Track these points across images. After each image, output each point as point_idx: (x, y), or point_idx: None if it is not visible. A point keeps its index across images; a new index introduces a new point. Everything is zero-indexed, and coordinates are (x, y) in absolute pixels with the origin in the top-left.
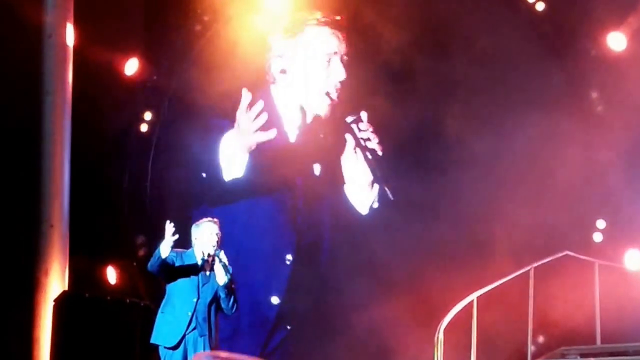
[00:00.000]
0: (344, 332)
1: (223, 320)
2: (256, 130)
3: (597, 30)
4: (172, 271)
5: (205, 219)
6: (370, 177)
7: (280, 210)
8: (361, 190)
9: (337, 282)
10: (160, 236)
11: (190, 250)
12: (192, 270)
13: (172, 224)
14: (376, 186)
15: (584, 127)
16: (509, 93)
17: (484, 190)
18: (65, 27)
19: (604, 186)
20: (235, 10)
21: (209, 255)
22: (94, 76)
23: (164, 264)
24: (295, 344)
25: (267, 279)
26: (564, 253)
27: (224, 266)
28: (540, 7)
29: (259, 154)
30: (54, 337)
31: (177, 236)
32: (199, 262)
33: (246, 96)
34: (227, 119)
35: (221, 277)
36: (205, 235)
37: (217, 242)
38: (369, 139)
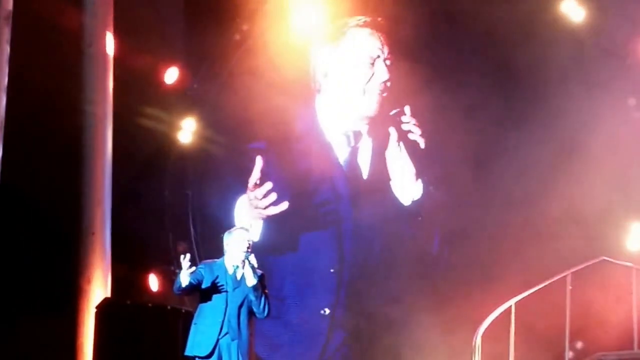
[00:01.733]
0: (398, 332)
1: (279, 330)
2: (266, 207)
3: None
4: (203, 288)
5: (237, 227)
6: (413, 170)
7: (326, 221)
8: (406, 183)
9: (390, 281)
10: (201, 242)
11: (220, 259)
12: (222, 279)
13: (188, 256)
14: (419, 179)
15: (623, 132)
16: (547, 97)
17: (524, 191)
18: (105, 36)
19: None
20: (274, 20)
21: (242, 261)
22: (134, 85)
23: (190, 287)
24: (351, 349)
25: (317, 291)
26: (600, 259)
27: (252, 268)
28: (578, 15)
29: (304, 169)
30: (96, 343)
31: (193, 269)
32: (230, 270)
33: (256, 171)
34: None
35: (250, 279)
36: (237, 242)
37: (248, 248)
38: (411, 132)
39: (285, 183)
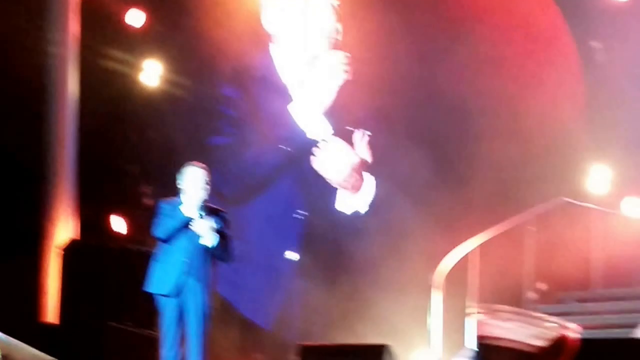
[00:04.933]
0: (360, 276)
1: (244, 271)
2: None
3: None
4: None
5: (190, 163)
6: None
7: (290, 164)
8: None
9: (348, 229)
10: (167, 186)
11: (179, 199)
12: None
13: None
14: None
15: (584, 75)
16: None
17: (471, 135)
18: None
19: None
20: None
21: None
22: (98, 26)
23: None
24: (313, 293)
25: (283, 235)
26: (559, 199)
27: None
28: None
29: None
30: (61, 284)
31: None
32: (186, 211)
33: None
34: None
35: (208, 240)
36: (192, 181)
37: (207, 184)
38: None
39: (256, 129)
